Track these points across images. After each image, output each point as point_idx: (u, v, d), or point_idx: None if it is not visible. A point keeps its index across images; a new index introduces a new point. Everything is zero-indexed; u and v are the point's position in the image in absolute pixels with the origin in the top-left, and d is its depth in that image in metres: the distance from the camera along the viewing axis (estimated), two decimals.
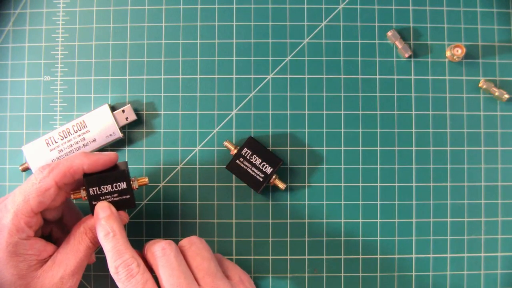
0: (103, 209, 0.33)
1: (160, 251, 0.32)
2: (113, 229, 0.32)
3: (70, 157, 0.33)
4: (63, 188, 0.33)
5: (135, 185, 0.34)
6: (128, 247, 0.32)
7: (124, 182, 0.34)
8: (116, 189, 0.34)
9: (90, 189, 0.33)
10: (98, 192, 0.34)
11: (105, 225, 0.32)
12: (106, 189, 0.34)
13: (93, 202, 0.34)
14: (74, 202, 0.38)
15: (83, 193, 0.34)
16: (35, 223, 0.32)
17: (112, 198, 0.34)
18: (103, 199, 0.34)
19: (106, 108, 0.38)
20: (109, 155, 0.34)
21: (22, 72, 0.40)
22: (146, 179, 0.35)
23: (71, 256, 0.32)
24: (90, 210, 0.34)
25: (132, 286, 0.30)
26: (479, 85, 0.39)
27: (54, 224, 0.36)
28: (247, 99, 0.39)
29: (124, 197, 0.34)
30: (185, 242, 0.34)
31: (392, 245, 0.38)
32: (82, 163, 0.32)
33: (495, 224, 0.39)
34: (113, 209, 0.33)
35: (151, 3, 0.40)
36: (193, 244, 0.33)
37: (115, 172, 0.34)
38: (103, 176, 0.34)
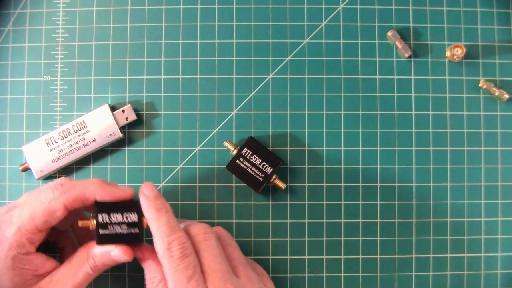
0: (151, 187, 0.32)
1: (202, 235, 0.31)
2: (165, 205, 0.31)
3: (86, 182, 0.32)
4: (73, 211, 0.32)
5: (146, 222, 0.32)
6: (180, 228, 0.31)
7: (135, 213, 0.32)
8: (126, 221, 0.32)
9: (99, 215, 0.32)
10: (107, 221, 0.32)
11: (157, 201, 0.31)
12: (116, 219, 0.32)
13: (100, 231, 0.32)
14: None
15: (92, 222, 0.32)
16: (38, 240, 0.31)
17: (121, 230, 0.32)
18: (111, 229, 0.32)
19: (106, 108, 0.38)
20: (126, 191, 0.32)
21: (22, 72, 0.39)
22: None
23: (69, 278, 0.32)
24: (96, 238, 0.32)
25: (185, 266, 0.29)
26: (479, 85, 0.39)
27: (60, 232, 0.36)
28: (247, 99, 0.39)
29: (132, 230, 0.32)
30: (215, 229, 0.34)
31: (392, 244, 0.38)
32: (96, 192, 0.31)
33: (495, 224, 0.39)
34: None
35: (151, 3, 0.40)
36: (222, 234, 0.34)
37: (129, 202, 0.33)
38: (115, 203, 0.32)
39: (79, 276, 0.32)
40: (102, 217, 0.32)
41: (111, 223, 0.32)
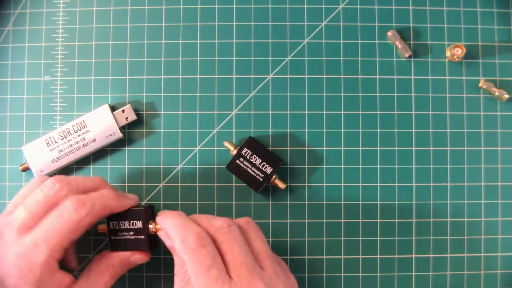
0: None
1: (227, 227, 0.31)
2: (178, 212, 0.33)
3: (102, 197, 0.32)
4: None
5: (152, 229, 0.34)
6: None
7: (140, 221, 0.34)
8: (132, 227, 0.34)
9: (110, 222, 0.34)
10: (117, 227, 0.34)
11: (170, 211, 0.33)
12: (124, 225, 0.34)
13: (112, 237, 0.34)
14: None
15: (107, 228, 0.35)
16: (61, 257, 0.31)
17: (128, 236, 0.34)
18: (121, 235, 0.34)
19: (106, 108, 0.38)
20: (134, 200, 0.35)
21: (22, 72, 0.39)
22: None
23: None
24: (109, 244, 0.34)
25: (203, 256, 0.29)
26: (479, 85, 0.39)
27: None
28: (247, 99, 0.39)
29: (139, 237, 0.34)
30: (242, 222, 0.33)
31: (392, 245, 0.38)
32: (114, 207, 0.33)
33: (495, 224, 0.39)
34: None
35: (151, 3, 0.40)
36: (250, 226, 0.33)
37: (134, 210, 0.34)
38: (124, 212, 0.34)
39: (101, 286, 0.33)
40: (113, 224, 0.34)
41: (120, 229, 0.34)
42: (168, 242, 0.33)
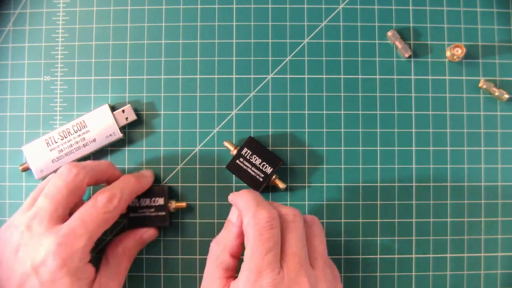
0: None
1: (292, 216, 0.31)
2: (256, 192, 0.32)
3: (129, 182, 0.34)
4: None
5: (172, 206, 0.37)
6: None
7: (163, 198, 0.36)
8: (154, 204, 0.37)
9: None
10: (137, 205, 0.37)
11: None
12: (145, 203, 0.37)
13: (131, 214, 0.36)
14: None
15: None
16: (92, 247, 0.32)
17: (149, 213, 0.36)
18: (141, 212, 0.36)
19: (106, 108, 0.38)
20: (151, 176, 0.37)
21: (22, 72, 0.40)
22: (184, 204, 0.38)
23: (114, 277, 0.34)
24: (127, 221, 0.36)
25: (267, 237, 0.29)
26: (479, 85, 0.39)
27: None
28: (247, 99, 0.39)
29: (160, 213, 0.37)
30: (308, 218, 0.33)
31: (392, 245, 0.38)
32: (139, 190, 0.36)
33: (495, 224, 0.39)
34: None
35: (151, 3, 0.40)
36: (315, 224, 0.33)
37: (156, 187, 0.37)
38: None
39: (122, 272, 0.34)
40: (133, 202, 0.36)
41: (140, 207, 0.37)
42: (232, 216, 0.33)
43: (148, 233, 0.36)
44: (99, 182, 0.35)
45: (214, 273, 0.31)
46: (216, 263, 0.31)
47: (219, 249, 0.32)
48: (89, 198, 0.34)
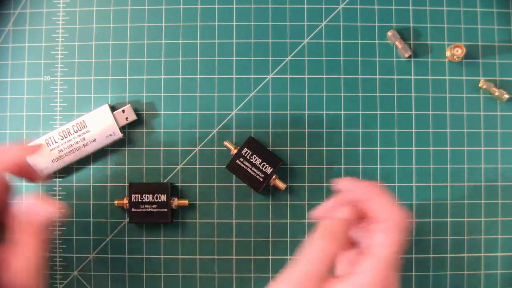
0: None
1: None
2: None
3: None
4: None
5: (174, 203, 0.37)
6: None
7: (165, 195, 0.37)
8: (156, 200, 0.37)
9: (133, 195, 0.37)
10: (140, 200, 0.37)
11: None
12: (147, 199, 0.37)
13: (133, 209, 0.37)
14: None
15: (125, 202, 0.37)
16: None
17: (151, 209, 0.37)
18: (143, 208, 0.37)
19: (106, 108, 0.38)
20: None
21: (22, 72, 0.39)
22: (186, 202, 0.38)
23: (26, 251, 0.31)
24: (128, 216, 0.37)
25: (403, 242, 0.27)
26: (479, 85, 0.39)
27: None
28: (247, 99, 0.39)
29: (162, 210, 0.37)
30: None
31: None
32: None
33: (495, 224, 0.39)
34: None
35: (151, 3, 0.40)
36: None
37: (159, 184, 0.38)
38: (147, 185, 0.38)
39: (33, 251, 0.31)
40: (135, 197, 0.37)
41: (143, 202, 0.37)
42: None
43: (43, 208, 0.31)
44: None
45: None
46: None
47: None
48: None
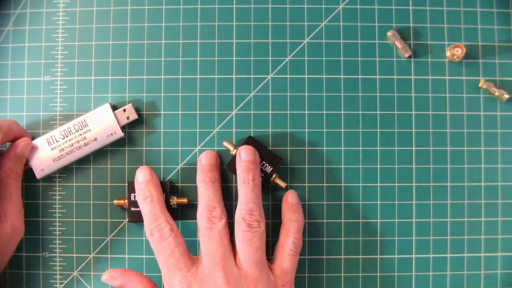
0: (144, 173, 0.36)
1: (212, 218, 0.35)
2: (151, 194, 0.35)
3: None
4: None
5: (173, 202, 0.37)
6: (164, 212, 0.34)
7: (164, 194, 0.37)
8: None
9: (131, 194, 0.37)
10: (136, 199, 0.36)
11: (145, 189, 0.35)
12: None
13: (132, 208, 0.37)
14: None
15: (125, 201, 0.37)
16: None
17: None
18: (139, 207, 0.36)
19: (107, 107, 0.38)
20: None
21: (22, 72, 0.40)
22: (185, 200, 0.38)
23: (9, 203, 0.35)
24: (128, 215, 0.37)
25: (164, 248, 0.33)
26: (479, 85, 0.39)
27: None
28: (247, 99, 0.39)
29: None
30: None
31: (392, 245, 0.38)
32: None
33: (495, 224, 0.39)
34: (154, 174, 0.36)
35: (151, 3, 0.40)
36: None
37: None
38: None
39: (14, 194, 0.35)
40: (134, 196, 0.37)
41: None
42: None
43: (20, 146, 0.36)
44: (4, 141, 0.35)
45: None
46: None
47: None
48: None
